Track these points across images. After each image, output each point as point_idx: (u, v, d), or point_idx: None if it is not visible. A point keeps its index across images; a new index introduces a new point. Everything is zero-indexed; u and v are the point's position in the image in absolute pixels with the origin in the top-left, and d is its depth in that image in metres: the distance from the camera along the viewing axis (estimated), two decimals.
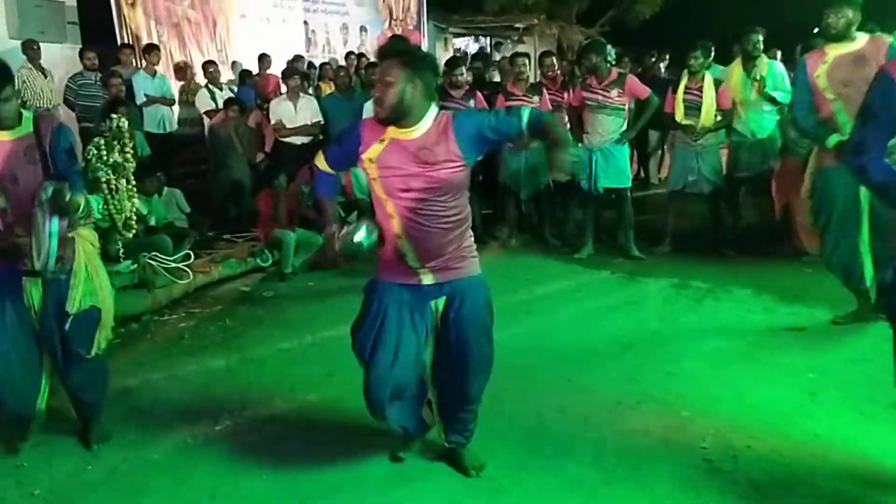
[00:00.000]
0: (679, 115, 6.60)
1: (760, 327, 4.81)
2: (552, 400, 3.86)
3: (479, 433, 3.35)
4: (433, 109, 2.82)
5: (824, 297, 5.09)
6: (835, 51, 4.48)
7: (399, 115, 2.75)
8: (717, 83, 6.52)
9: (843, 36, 4.47)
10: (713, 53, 7.72)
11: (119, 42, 9.39)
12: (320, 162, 3.04)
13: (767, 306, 5.17)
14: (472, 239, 3.02)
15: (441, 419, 3.19)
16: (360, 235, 2.82)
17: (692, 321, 5.05)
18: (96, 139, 5.83)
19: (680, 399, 3.81)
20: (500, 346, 4.58)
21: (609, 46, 6.74)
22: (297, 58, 10.30)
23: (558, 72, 7.70)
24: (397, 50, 2.87)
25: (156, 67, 8.91)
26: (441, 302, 2.96)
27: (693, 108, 6.54)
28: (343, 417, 3.69)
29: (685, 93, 6.58)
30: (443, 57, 14.47)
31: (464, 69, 7.31)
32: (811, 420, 3.52)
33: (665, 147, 9.29)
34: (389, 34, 14.15)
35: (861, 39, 4.47)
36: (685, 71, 6.69)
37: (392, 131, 2.78)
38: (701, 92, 6.48)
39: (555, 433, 3.52)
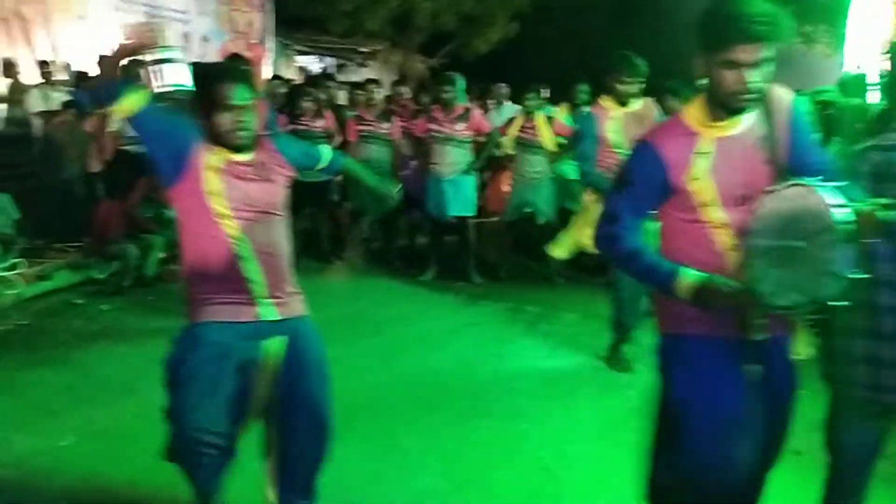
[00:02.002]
0: (507, 147, 7.14)
1: (587, 349, 5.24)
2: (402, 416, 4.08)
3: (333, 448, 3.49)
4: None
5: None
6: (621, 109, 5.00)
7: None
8: (549, 120, 7.09)
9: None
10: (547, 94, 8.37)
11: None
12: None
13: (592, 331, 5.62)
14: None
15: (279, 480, 2.83)
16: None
17: (528, 343, 5.44)
18: None
19: (520, 413, 4.14)
20: (349, 365, 4.78)
21: (461, 80, 7.09)
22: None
23: (409, 101, 8.00)
24: (249, 74, 2.73)
25: None
26: (278, 343, 2.69)
27: (527, 146, 7.02)
28: None
29: (520, 130, 7.06)
30: (286, 74, 14.43)
31: (305, 102, 7.38)
32: (632, 427, 3.94)
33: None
34: (231, 47, 13.96)
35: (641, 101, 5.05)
36: (521, 109, 7.19)
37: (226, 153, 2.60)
38: (534, 130, 6.98)
39: (406, 447, 3.74)
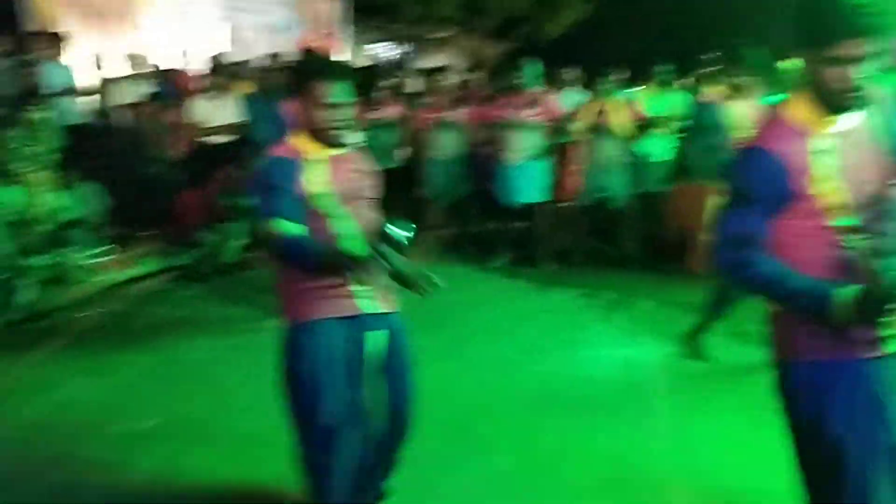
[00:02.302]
0: (579, 134, 7.05)
1: (664, 337, 5.15)
2: (474, 401, 4.10)
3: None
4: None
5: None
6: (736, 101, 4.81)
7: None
8: (624, 103, 6.98)
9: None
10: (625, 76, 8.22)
11: (28, 29, 9.07)
12: None
13: (670, 318, 5.51)
14: None
15: None
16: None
17: (602, 330, 5.38)
18: (15, 130, 5.73)
19: (593, 401, 4.10)
20: (420, 350, 4.82)
21: (534, 65, 7.04)
22: (218, 55, 10.19)
23: (481, 87, 8.00)
24: (349, 71, 2.75)
25: (65, 57, 8.68)
26: (380, 338, 2.70)
27: (601, 130, 6.91)
28: (268, 419, 3.78)
29: (593, 114, 6.95)
30: (359, 62, 14.58)
31: (381, 92, 7.51)
32: (709, 417, 3.87)
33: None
34: (307, 37, 14.19)
35: None
36: (593, 93, 7.07)
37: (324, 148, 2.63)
38: (608, 114, 6.87)
39: (479, 431, 3.76)
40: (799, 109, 2.01)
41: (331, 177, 2.61)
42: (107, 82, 8.86)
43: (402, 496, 3.06)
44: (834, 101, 1.94)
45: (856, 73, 1.86)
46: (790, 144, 1.98)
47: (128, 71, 8.65)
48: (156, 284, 6.35)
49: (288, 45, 13.23)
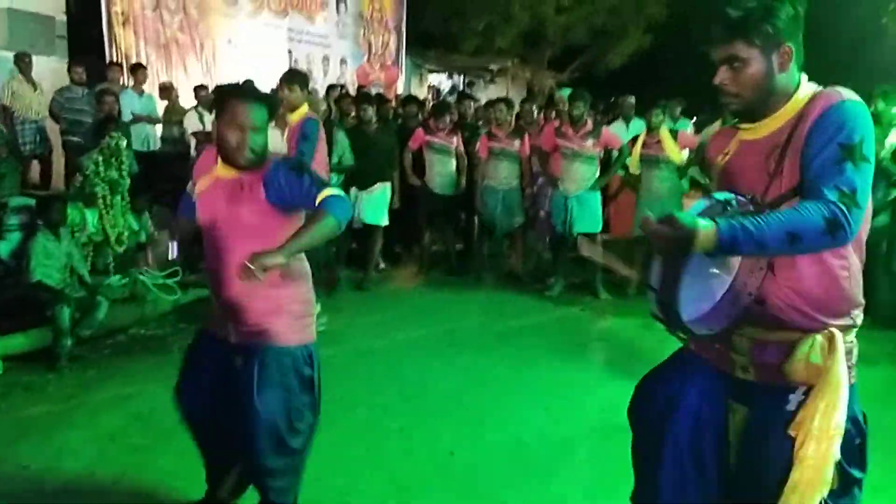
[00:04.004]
0: (632, 167, 7.06)
1: None
2: (532, 426, 4.15)
3: (466, 452, 3.63)
4: None
5: None
6: None
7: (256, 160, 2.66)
8: (673, 134, 7.00)
9: None
10: (682, 107, 8.26)
11: (108, 59, 9.53)
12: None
13: None
14: (301, 305, 2.83)
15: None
16: None
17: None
18: (94, 155, 6.02)
19: None
20: (478, 377, 4.91)
21: (591, 96, 7.12)
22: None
23: (538, 117, 8.10)
24: (254, 93, 2.74)
25: (143, 87, 9.08)
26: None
27: (651, 162, 6.93)
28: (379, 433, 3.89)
29: (643, 147, 6.99)
30: (418, 92, 14.88)
31: (448, 118, 7.62)
32: None
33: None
34: (367, 68, 14.56)
35: None
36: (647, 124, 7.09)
37: (219, 168, 2.74)
38: (659, 145, 6.90)
39: (537, 456, 3.80)
40: None
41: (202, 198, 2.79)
42: (176, 111, 9.24)
43: None
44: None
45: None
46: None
47: (196, 100, 8.99)
48: None
49: (348, 76, 13.62)
